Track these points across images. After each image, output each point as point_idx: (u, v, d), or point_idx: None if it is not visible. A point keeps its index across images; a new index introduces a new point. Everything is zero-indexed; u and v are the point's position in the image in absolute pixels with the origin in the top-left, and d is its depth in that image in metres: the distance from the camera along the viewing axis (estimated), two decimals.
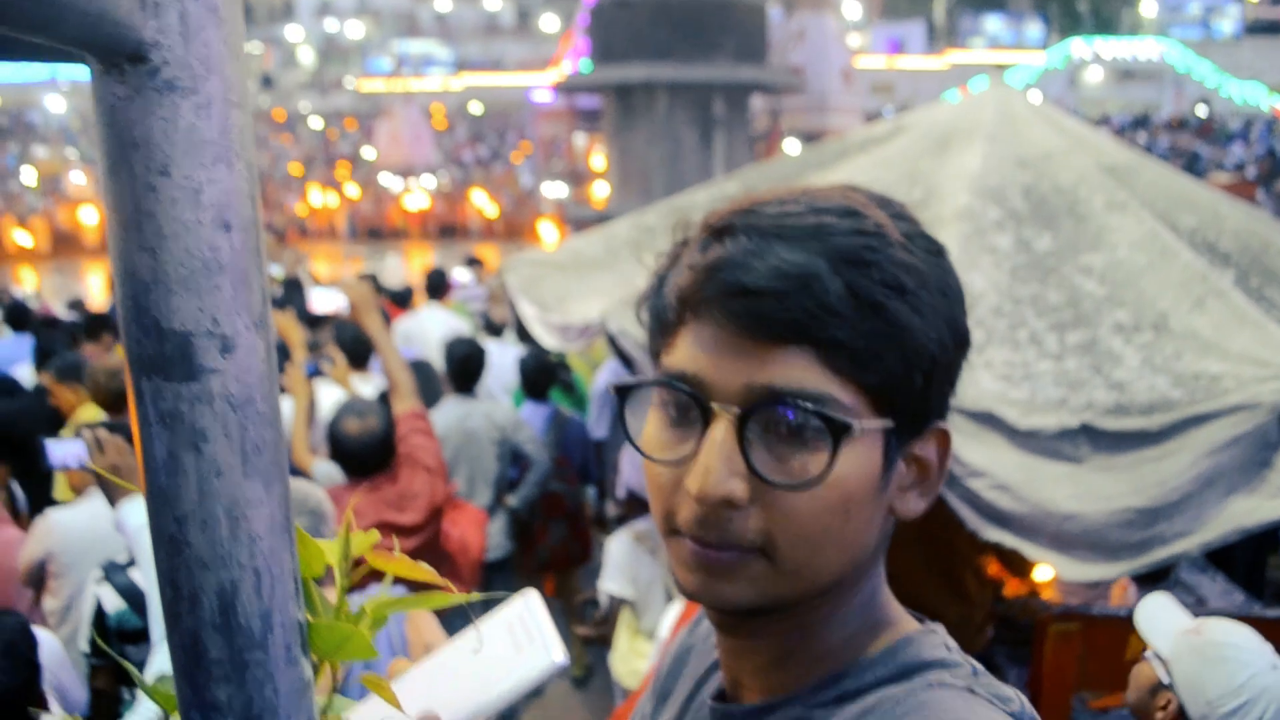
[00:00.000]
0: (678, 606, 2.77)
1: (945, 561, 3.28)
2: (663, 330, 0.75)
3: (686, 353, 0.71)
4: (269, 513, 0.50)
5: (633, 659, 3.34)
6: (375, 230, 34.67)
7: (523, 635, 0.71)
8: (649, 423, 0.75)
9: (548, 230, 26.04)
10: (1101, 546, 2.55)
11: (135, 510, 2.26)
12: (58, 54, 0.45)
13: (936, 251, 0.74)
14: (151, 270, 0.45)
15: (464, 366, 4.37)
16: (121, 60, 0.43)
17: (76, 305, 7.84)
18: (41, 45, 0.44)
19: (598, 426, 5.21)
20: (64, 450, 2.64)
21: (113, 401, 3.81)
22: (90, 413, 4.00)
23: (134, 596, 2.67)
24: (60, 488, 3.89)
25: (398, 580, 0.65)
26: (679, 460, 0.71)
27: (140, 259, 0.45)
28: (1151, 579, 3.47)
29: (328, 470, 3.40)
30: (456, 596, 0.61)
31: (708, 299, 0.69)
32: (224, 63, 0.45)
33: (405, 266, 23.90)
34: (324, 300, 5.26)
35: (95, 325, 6.42)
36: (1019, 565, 3.67)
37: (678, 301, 0.72)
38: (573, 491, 4.88)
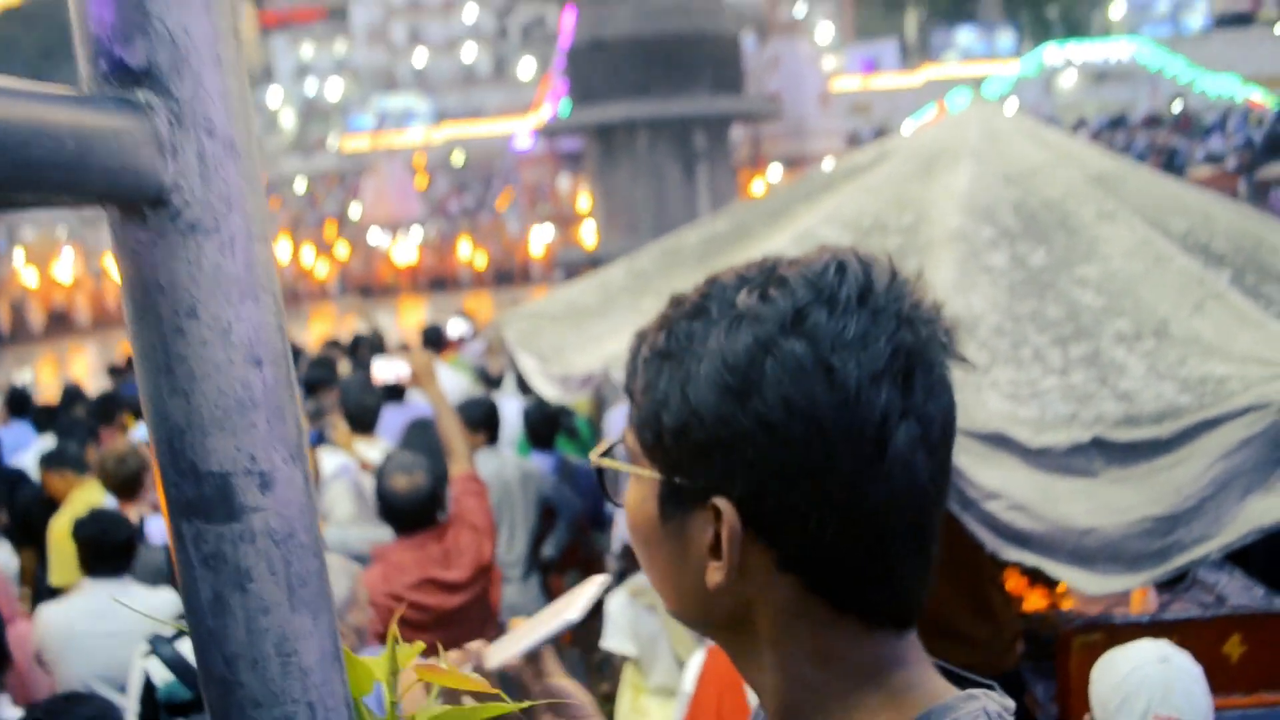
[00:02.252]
0: (699, 659, 2.74)
1: (971, 582, 3.25)
2: None
3: None
4: (318, 644, 0.49)
5: (634, 717, 3.30)
6: (365, 287, 34.73)
7: (565, 601, 0.92)
8: None
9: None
10: (1122, 558, 2.54)
11: None
12: (77, 199, 0.45)
13: (740, 318, 0.71)
14: (185, 414, 0.45)
15: (490, 419, 4.50)
16: (143, 205, 0.42)
17: (74, 394, 7.78)
18: (54, 197, 0.43)
19: None
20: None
21: (123, 487, 3.82)
22: (87, 496, 4.00)
23: (182, 669, 2.69)
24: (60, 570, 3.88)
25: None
26: None
27: (174, 403, 0.44)
28: (1170, 582, 3.45)
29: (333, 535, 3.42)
30: (508, 706, 0.59)
31: None
32: (244, 198, 0.44)
33: (396, 323, 23.89)
34: (385, 369, 5.35)
35: (108, 407, 6.38)
36: (1043, 578, 3.65)
37: None
38: (586, 540, 4.86)
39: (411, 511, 3.17)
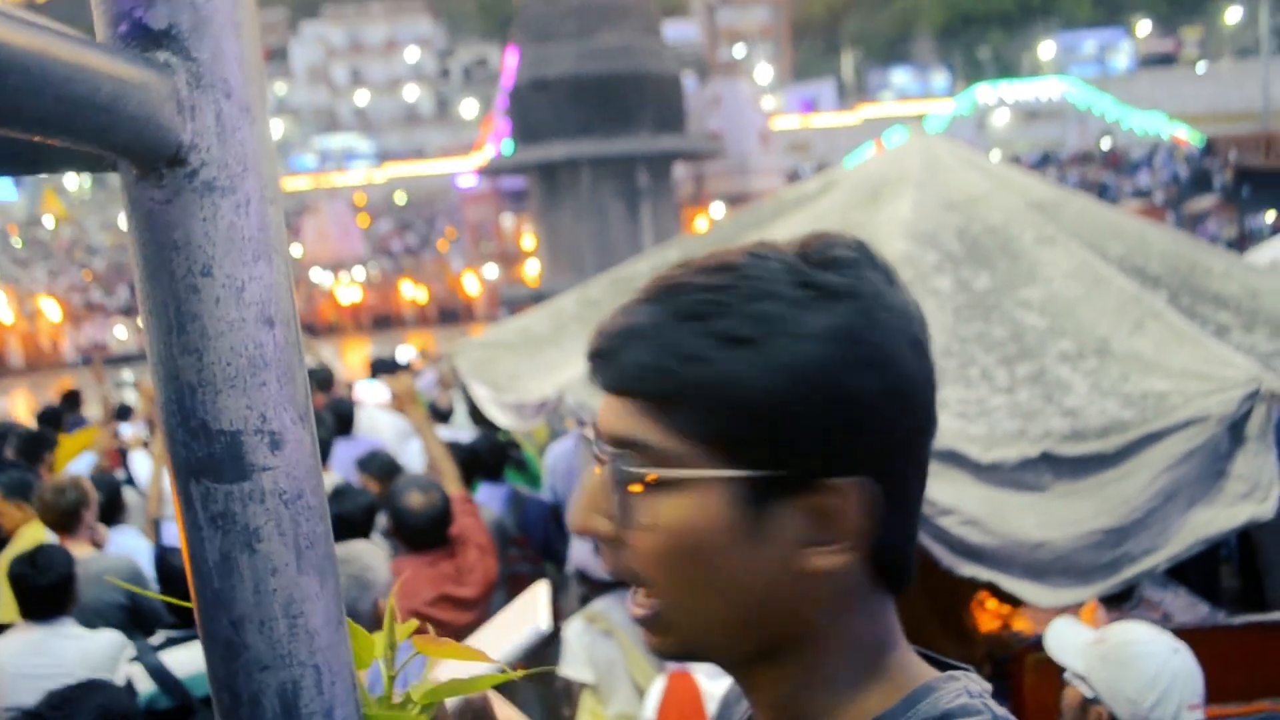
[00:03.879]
0: (659, 685, 2.73)
1: (948, 603, 3.30)
2: None
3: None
4: (325, 607, 0.49)
5: None
6: (309, 326, 34.38)
7: (521, 611, 0.83)
8: None
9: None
10: (1073, 571, 2.58)
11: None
12: (89, 164, 0.45)
13: (835, 295, 0.70)
14: (197, 372, 0.45)
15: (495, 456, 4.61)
16: (160, 164, 0.43)
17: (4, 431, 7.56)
18: (75, 156, 0.44)
19: (549, 493, 5.21)
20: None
21: (61, 520, 3.71)
22: (34, 533, 3.89)
23: (164, 678, 2.71)
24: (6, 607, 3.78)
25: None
26: None
27: (185, 361, 0.45)
28: (1118, 600, 3.52)
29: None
30: (505, 675, 0.60)
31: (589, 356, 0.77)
32: (259, 160, 0.45)
33: (341, 361, 23.68)
34: (368, 393, 5.38)
35: (34, 447, 6.22)
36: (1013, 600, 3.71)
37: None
38: (536, 570, 4.82)
39: (427, 529, 3.22)
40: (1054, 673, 2.99)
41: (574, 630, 3.39)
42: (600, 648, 3.30)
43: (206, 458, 0.46)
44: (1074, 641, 2.20)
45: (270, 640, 0.48)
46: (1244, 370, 2.78)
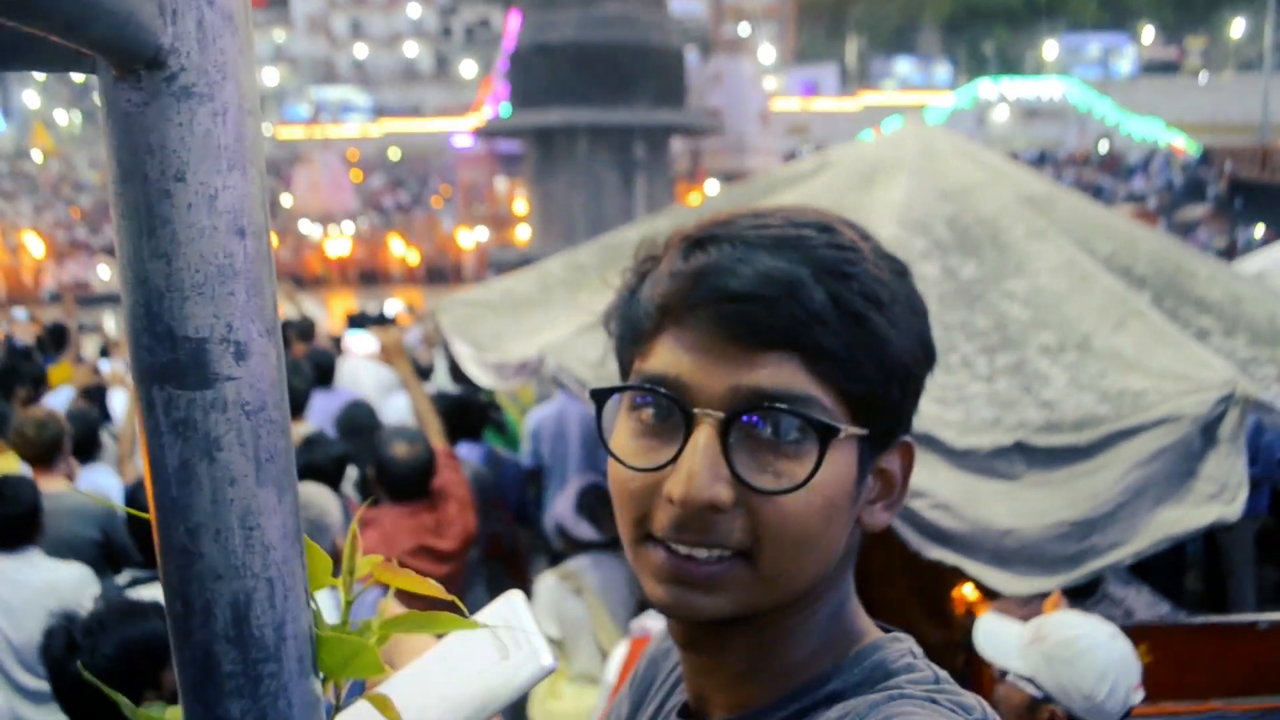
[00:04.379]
0: (622, 650, 2.75)
1: (932, 589, 3.34)
2: (636, 339, 0.75)
3: (666, 357, 0.71)
4: (281, 521, 0.50)
5: (549, 700, 3.30)
6: (295, 277, 34.19)
7: (509, 639, 0.68)
8: (619, 430, 0.75)
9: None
10: (1039, 560, 2.61)
11: None
12: (66, 62, 0.45)
13: (901, 271, 0.76)
14: (165, 277, 0.45)
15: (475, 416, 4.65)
16: (139, 66, 0.43)
17: None
18: (53, 53, 0.44)
19: (529, 457, 5.22)
20: None
21: (40, 454, 3.70)
22: (7, 463, 3.88)
23: None
24: None
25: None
26: (657, 466, 0.70)
27: (154, 266, 0.45)
28: (1081, 594, 3.55)
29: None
30: (466, 622, 0.60)
31: (693, 304, 0.69)
32: (239, 70, 0.45)
33: (326, 314, 23.55)
34: (357, 344, 5.38)
35: (5, 379, 6.18)
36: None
37: (658, 309, 0.72)
38: (509, 531, 4.84)
39: (410, 479, 3.24)
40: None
41: (544, 586, 3.42)
42: (569, 606, 3.33)
43: (170, 363, 0.46)
44: (1008, 641, 2.17)
45: (225, 550, 0.48)
46: (1220, 373, 2.81)
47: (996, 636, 2.19)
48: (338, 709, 0.60)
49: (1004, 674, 2.13)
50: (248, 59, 0.46)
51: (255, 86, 0.47)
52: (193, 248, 0.45)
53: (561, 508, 3.55)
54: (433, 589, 0.60)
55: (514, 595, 0.72)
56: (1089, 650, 2.05)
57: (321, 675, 0.55)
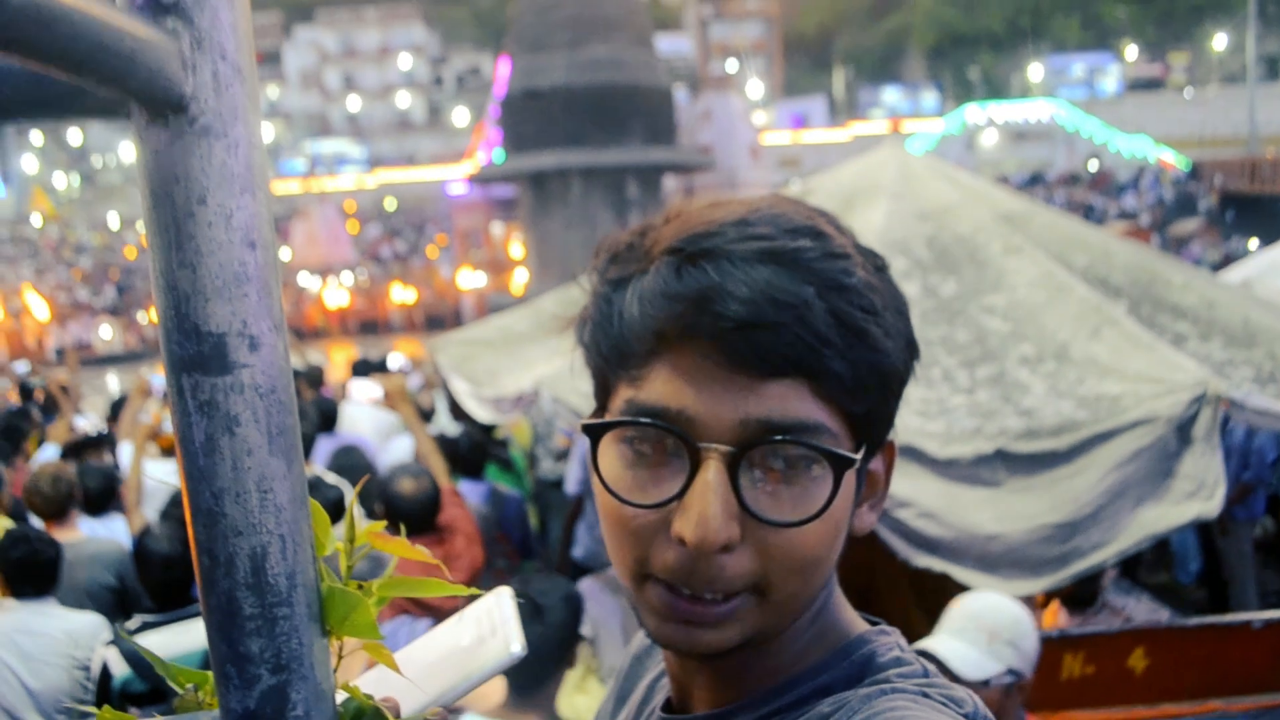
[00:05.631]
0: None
1: (934, 599, 3.41)
2: (623, 361, 0.70)
3: (665, 388, 0.67)
4: (290, 485, 0.59)
5: (576, 695, 3.36)
6: (296, 330, 34.34)
7: (488, 628, 0.74)
8: (608, 459, 0.71)
9: None
10: (1024, 563, 2.69)
11: None
12: (106, 111, 0.56)
13: (881, 267, 0.73)
14: (191, 283, 0.55)
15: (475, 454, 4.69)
16: (167, 111, 0.53)
17: None
18: (94, 104, 0.54)
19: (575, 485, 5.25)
20: None
21: (58, 508, 3.79)
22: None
23: (139, 664, 2.79)
24: None
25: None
26: (660, 503, 0.67)
27: (182, 274, 0.55)
28: (1081, 604, 3.62)
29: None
30: (453, 587, 0.69)
31: (694, 331, 0.66)
32: (247, 112, 0.55)
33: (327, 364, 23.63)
34: (360, 390, 5.50)
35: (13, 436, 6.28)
36: None
37: (651, 334, 0.68)
38: (513, 568, 4.91)
39: (417, 514, 3.31)
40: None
41: (582, 586, 3.51)
42: (603, 602, 3.41)
43: (196, 354, 0.56)
44: (970, 655, 2.18)
45: (244, 510, 0.58)
46: (1192, 374, 2.91)
47: (960, 658, 2.19)
48: (339, 661, 0.69)
49: (986, 683, 2.16)
50: (254, 102, 0.56)
51: (260, 124, 0.57)
52: (213, 258, 0.55)
53: (587, 538, 3.63)
54: (423, 555, 0.69)
55: (503, 591, 0.78)
56: (1023, 616, 2.19)
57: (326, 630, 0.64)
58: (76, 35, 0.44)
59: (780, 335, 0.64)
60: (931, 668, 0.75)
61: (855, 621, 0.80)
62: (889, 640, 0.77)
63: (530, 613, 2.27)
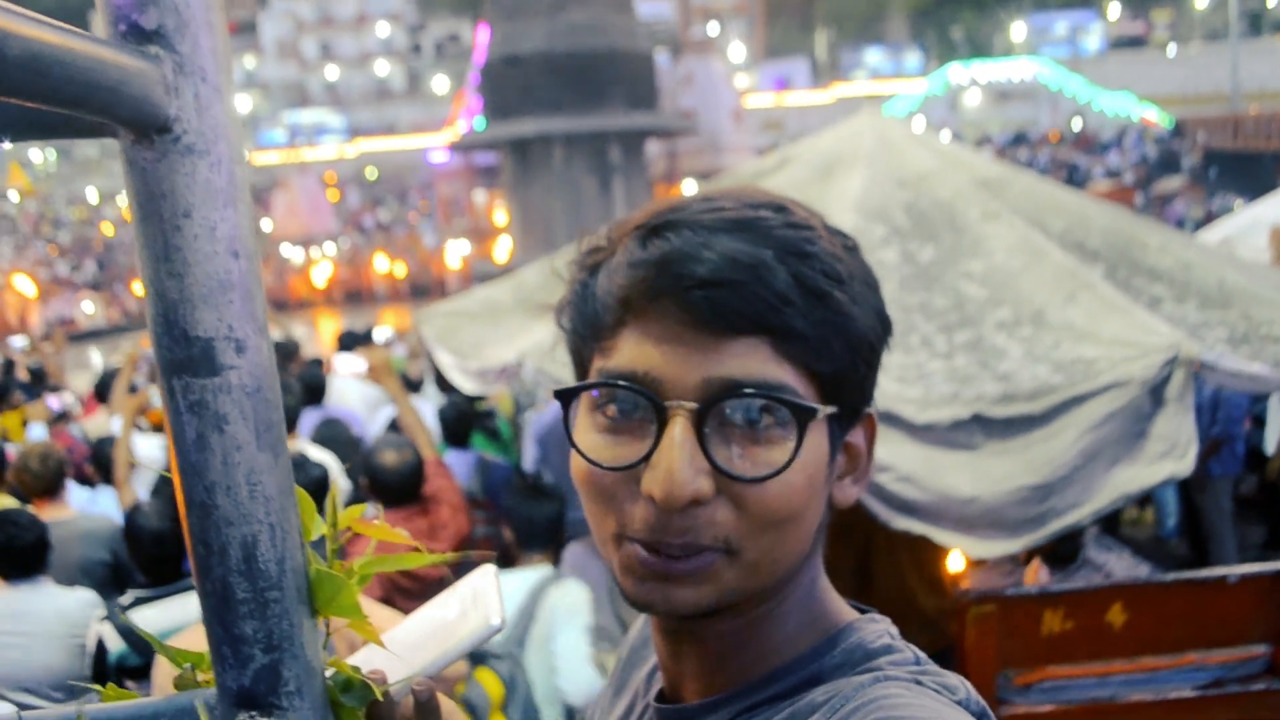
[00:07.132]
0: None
1: (933, 561, 3.48)
2: (596, 334, 0.74)
3: (632, 352, 0.70)
4: (277, 478, 0.63)
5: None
6: (279, 302, 34.21)
7: (470, 602, 0.78)
8: (582, 427, 0.74)
9: None
10: (1002, 524, 2.75)
11: None
12: (93, 131, 0.59)
13: (852, 246, 0.76)
14: (179, 291, 0.59)
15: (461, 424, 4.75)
16: (152, 132, 0.56)
17: None
18: (81, 125, 0.58)
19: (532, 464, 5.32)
20: None
21: (48, 486, 3.81)
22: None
23: (133, 638, 2.85)
24: None
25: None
26: (630, 464, 0.69)
27: (170, 283, 0.59)
28: (1062, 561, 3.70)
29: None
30: (433, 557, 0.73)
31: (657, 293, 0.69)
32: (228, 130, 0.59)
33: (315, 335, 23.62)
34: (346, 364, 5.53)
35: None
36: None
37: (619, 301, 0.71)
38: (499, 534, 4.97)
39: (400, 485, 3.35)
40: (994, 626, 3.16)
41: (572, 549, 3.58)
42: (591, 565, 3.47)
43: (186, 358, 0.60)
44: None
45: (235, 502, 0.62)
46: (1165, 337, 2.96)
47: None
48: (328, 638, 0.73)
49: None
50: (234, 120, 0.60)
51: (241, 140, 0.60)
52: (199, 268, 0.59)
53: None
54: (404, 538, 0.73)
55: (488, 568, 0.82)
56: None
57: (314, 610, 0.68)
58: (70, 77, 0.47)
59: (739, 293, 0.66)
60: (922, 654, 0.76)
61: (844, 609, 0.81)
62: (878, 628, 0.78)
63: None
